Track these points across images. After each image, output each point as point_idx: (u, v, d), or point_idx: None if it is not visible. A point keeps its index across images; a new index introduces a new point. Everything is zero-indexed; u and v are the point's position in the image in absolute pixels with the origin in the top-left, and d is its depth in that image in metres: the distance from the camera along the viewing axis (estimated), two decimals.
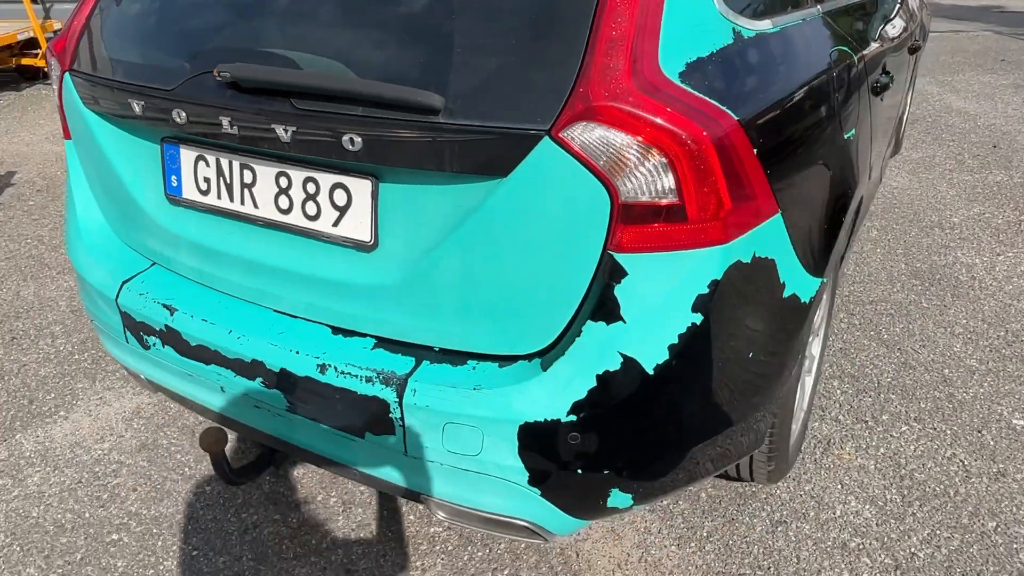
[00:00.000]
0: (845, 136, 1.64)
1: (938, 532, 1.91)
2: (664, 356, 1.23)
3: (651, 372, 1.23)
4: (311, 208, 1.41)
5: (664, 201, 1.16)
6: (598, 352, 1.23)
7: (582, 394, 1.24)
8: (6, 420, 2.41)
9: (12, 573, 1.85)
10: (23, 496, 2.10)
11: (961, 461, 2.14)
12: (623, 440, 1.27)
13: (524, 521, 1.38)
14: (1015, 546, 1.86)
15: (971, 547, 1.86)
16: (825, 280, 1.57)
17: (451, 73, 1.20)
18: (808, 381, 2.17)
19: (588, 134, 1.13)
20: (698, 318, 1.23)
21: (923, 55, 7.57)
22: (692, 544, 1.89)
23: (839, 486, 2.06)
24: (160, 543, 1.93)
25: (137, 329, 1.69)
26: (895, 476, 2.09)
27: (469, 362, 1.35)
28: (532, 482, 1.32)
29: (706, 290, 1.22)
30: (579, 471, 1.30)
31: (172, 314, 1.60)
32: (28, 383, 2.59)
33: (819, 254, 1.53)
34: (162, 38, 1.52)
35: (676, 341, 1.23)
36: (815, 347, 2.17)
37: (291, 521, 1.99)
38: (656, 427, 1.28)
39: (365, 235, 1.36)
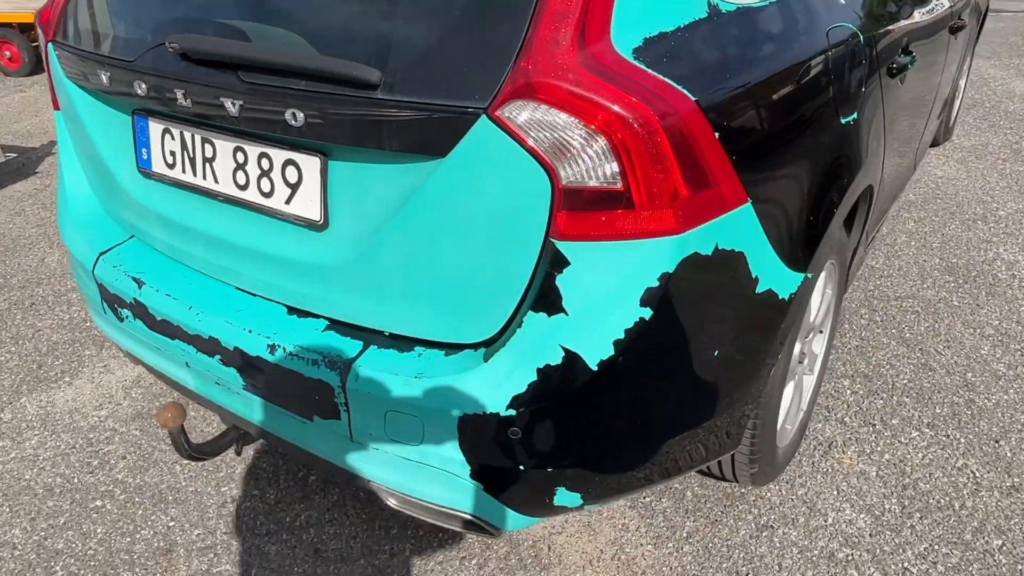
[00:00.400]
0: (842, 121, 1.52)
1: (936, 547, 1.79)
2: (609, 352, 1.16)
3: (594, 368, 1.16)
4: (265, 185, 1.38)
5: (608, 187, 1.08)
6: (539, 345, 1.17)
7: (522, 388, 1.18)
8: (15, 383, 2.48)
9: (1, 529, 1.91)
10: (19, 458, 2.15)
11: (972, 472, 2.01)
12: (566, 438, 1.21)
13: (469, 515, 1.34)
14: (1020, 567, 1.74)
15: (971, 565, 1.74)
16: (809, 276, 1.46)
17: (391, 46, 1.15)
18: (808, 380, 2.06)
19: (526, 114, 1.06)
20: (646, 313, 1.15)
21: (989, 36, 7.12)
22: (670, 544, 1.82)
23: (835, 492, 1.95)
24: (140, 512, 1.96)
25: (112, 301, 1.69)
26: (897, 485, 1.97)
27: (416, 348, 1.31)
28: (474, 476, 1.27)
29: (656, 283, 1.14)
30: (521, 467, 1.24)
31: (140, 287, 1.60)
32: (40, 348, 2.67)
33: (803, 248, 1.42)
34: (127, 9, 1.50)
35: (622, 336, 1.16)
36: (816, 344, 2.06)
37: (269, 497, 1.99)
38: (602, 426, 1.21)
39: (315, 214, 1.32)
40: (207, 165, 1.46)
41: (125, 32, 1.48)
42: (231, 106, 1.29)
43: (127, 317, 1.67)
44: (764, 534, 1.84)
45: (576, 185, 1.08)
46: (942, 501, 1.92)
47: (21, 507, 1.99)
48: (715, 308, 1.26)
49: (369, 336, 1.36)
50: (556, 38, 1.06)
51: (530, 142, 1.07)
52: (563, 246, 1.12)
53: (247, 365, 1.43)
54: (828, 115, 1.45)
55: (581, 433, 1.21)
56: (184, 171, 1.50)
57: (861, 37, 1.60)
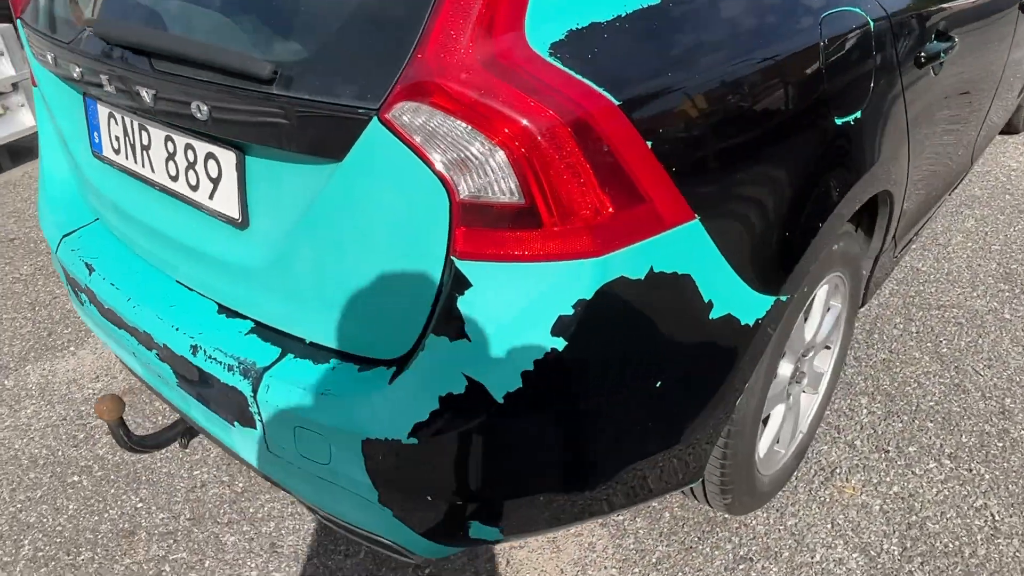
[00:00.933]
0: (837, 122, 1.32)
1: None
2: (517, 384, 1.04)
3: (500, 401, 1.05)
4: (192, 177, 1.31)
5: (509, 204, 0.95)
6: (441, 371, 1.06)
7: (424, 416, 1.08)
8: (23, 350, 2.55)
9: None
10: (13, 427, 2.21)
11: (991, 515, 1.79)
12: (472, 472, 1.10)
13: (384, 539, 1.26)
14: None
15: None
16: (784, 298, 1.29)
17: (290, 38, 1.04)
18: (808, 400, 1.88)
19: (416, 117, 0.94)
20: (559, 343, 1.03)
21: None
22: (636, 569, 1.70)
23: (829, 525, 1.78)
24: (112, 491, 1.97)
25: (72, 284, 1.68)
26: (902, 523, 1.78)
27: (332, 361, 1.22)
28: (383, 502, 1.19)
29: (570, 311, 1.01)
30: (428, 498, 1.15)
31: (90, 274, 1.57)
32: (53, 315, 2.73)
33: (776, 268, 1.26)
34: None
35: (532, 368, 1.03)
36: (820, 361, 1.87)
37: (237, 485, 1.97)
38: (512, 462, 1.10)
39: (234, 211, 1.24)
40: (144, 153, 1.40)
41: (65, 13, 1.43)
42: (146, 95, 1.22)
43: (85, 302, 1.65)
44: (741, 567, 1.69)
45: (474, 200, 0.96)
46: (950, 546, 1.72)
47: (4, 477, 2.03)
48: (654, 337, 1.12)
49: (289, 344, 1.28)
50: (455, 30, 0.93)
51: (423, 149, 0.95)
52: (464, 266, 1.00)
53: (175, 363, 1.38)
54: (815, 116, 1.26)
55: (489, 468, 1.10)
56: (127, 158, 1.45)
57: (872, 24, 1.39)
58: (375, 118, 0.97)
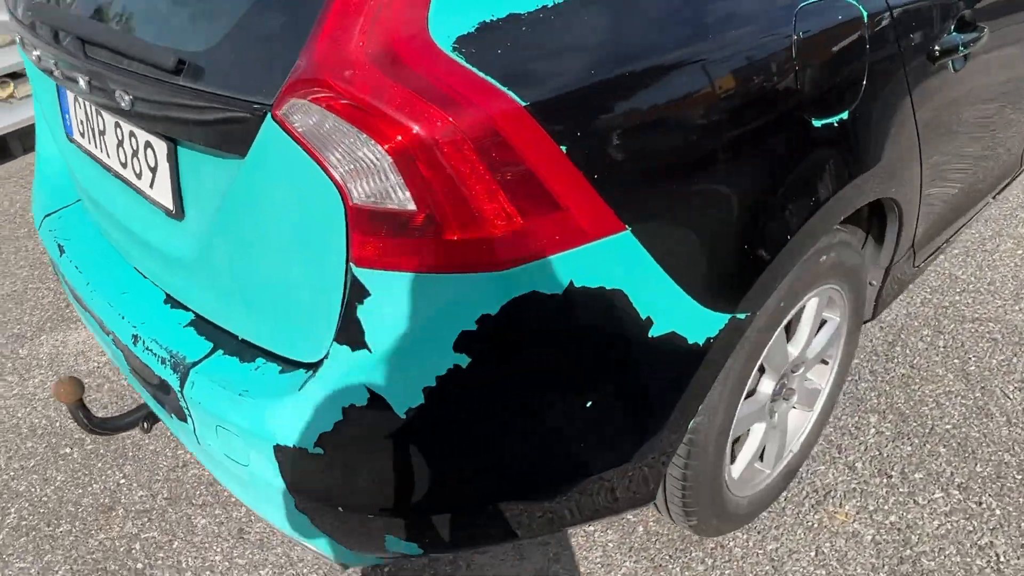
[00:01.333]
0: (816, 123, 1.19)
1: None
2: (419, 400, 0.98)
3: (403, 416, 0.99)
4: (136, 165, 1.29)
5: (402, 210, 0.89)
6: (345, 381, 1.01)
7: (329, 426, 1.03)
8: (41, 320, 2.63)
9: None
10: (20, 396, 2.28)
11: (996, 555, 1.64)
12: (376, 488, 1.06)
13: (311, 547, 1.23)
14: None
15: None
16: (743, 316, 1.19)
17: (197, 28, 1.00)
18: (800, 417, 1.76)
19: (306, 116, 0.88)
20: (462, 360, 0.96)
21: None
22: None
23: (812, 553, 1.67)
24: (99, 465, 2.02)
25: (52, 262, 1.70)
26: (893, 556, 1.65)
27: (258, 360, 1.19)
28: (300, 508, 1.15)
29: (474, 327, 0.94)
30: (340, 508, 1.11)
31: (60, 255, 1.59)
32: None
33: (730, 283, 1.15)
34: None
35: (434, 384, 0.97)
36: (816, 376, 1.74)
37: None
38: (416, 480, 1.04)
39: (169, 202, 1.22)
40: (101, 138, 1.39)
41: None
42: (82, 81, 1.20)
43: (61, 280, 1.67)
44: None
45: (367, 205, 0.90)
46: None
47: (4, 444, 2.10)
48: (580, 355, 1.04)
49: (223, 339, 1.25)
50: (349, 20, 0.87)
51: (314, 150, 0.89)
52: (361, 273, 0.94)
53: (124, 351, 1.38)
54: (781, 118, 1.14)
55: (394, 485, 1.05)
56: (89, 142, 1.45)
57: (865, 16, 1.24)
58: (269, 115, 0.91)
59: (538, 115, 0.89)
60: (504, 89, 0.87)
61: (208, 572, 1.72)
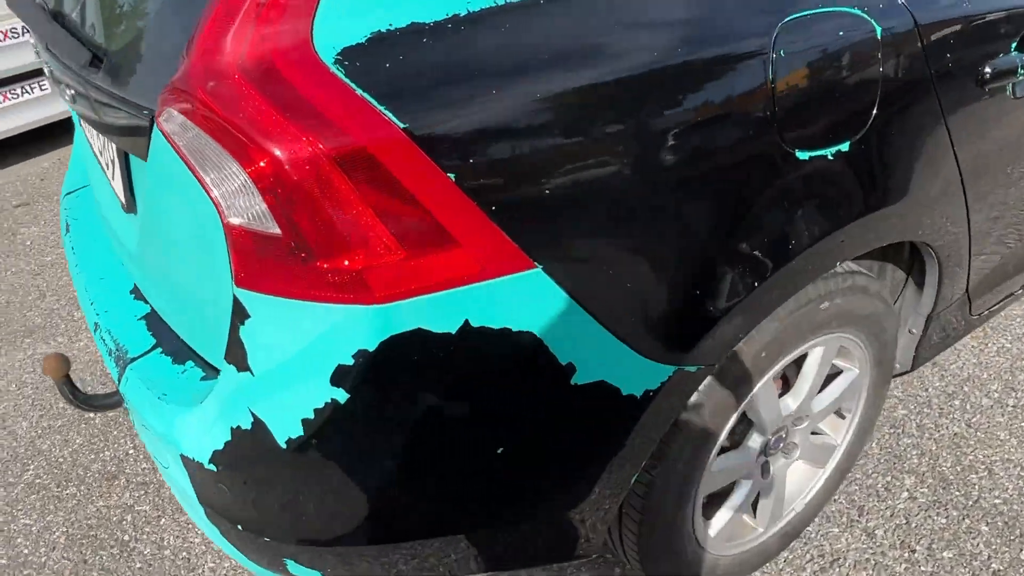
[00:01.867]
0: (800, 156, 1.02)
1: None
2: (298, 431, 0.93)
3: (283, 446, 0.94)
4: (106, 155, 1.30)
5: (264, 231, 0.83)
6: (232, 401, 0.97)
7: (220, 445, 1.00)
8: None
9: (14, 418, 2.17)
10: None
11: None
12: (263, 512, 1.01)
13: (231, 555, 1.21)
14: None
15: None
16: (695, 368, 1.05)
17: (112, 26, 0.97)
18: (812, 475, 1.58)
19: (173, 124, 0.83)
20: (340, 394, 0.89)
21: None
22: None
23: None
24: (115, 433, 2.11)
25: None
26: None
27: (187, 363, 1.17)
28: (210, 518, 1.13)
29: (350, 361, 0.87)
30: (239, 527, 1.07)
31: (67, 232, 1.65)
32: None
33: (676, 331, 1.02)
34: None
35: (312, 416, 0.91)
36: (831, 429, 1.56)
37: None
38: (298, 510, 0.99)
39: (123, 195, 1.22)
40: (88, 128, 1.42)
41: None
42: (46, 69, 1.22)
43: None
44: None
45: (237, 224, 0.84)
46: None
47: (40, 403, 2.24)
48: (479, 399, 0.95)
49: (166, 337, 1.25)
50: (225, 25, 0.81)
51: (188, 163, 0.84)
52: (241, 294, 0.89)
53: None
54: (749, 146, 0.98)
55: (281, 512, 1.00)
56: (85, 127, 1.48)
57: (878, 29, 1.06)
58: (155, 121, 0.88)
59: (419, 139, 0.80)
60: (381, 108, 0.79)
61: (185, 553, 1.76)
